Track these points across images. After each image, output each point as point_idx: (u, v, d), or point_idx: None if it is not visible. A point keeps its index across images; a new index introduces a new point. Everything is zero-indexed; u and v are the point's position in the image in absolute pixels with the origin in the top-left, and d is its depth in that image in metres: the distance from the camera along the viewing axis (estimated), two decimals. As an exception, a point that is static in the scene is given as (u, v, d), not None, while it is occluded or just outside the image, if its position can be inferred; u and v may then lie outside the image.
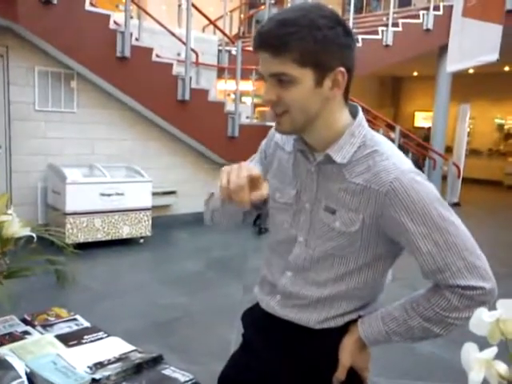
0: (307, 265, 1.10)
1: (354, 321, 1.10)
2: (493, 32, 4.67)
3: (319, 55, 0.95)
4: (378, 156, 1.01)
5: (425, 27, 8.46)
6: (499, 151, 12.72)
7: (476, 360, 0.55)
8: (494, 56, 4.66)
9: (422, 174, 1.01)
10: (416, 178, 0.98)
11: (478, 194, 10.49)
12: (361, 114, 1.06)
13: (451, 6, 7.68)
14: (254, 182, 0.95)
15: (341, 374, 1.09)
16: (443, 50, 8.23)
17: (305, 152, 1.09)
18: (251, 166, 1.00)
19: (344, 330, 1.10)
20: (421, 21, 8.46)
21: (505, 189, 11.64)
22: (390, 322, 1.05)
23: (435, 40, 8.46)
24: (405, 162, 1.01)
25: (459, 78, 9.29)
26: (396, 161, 1.00)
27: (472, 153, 11.70)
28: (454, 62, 5.56)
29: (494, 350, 0.55)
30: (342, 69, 0.98)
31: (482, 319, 0.57)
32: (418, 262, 1.00)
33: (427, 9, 8.57)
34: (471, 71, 10.36)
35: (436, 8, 8.54)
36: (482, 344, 0.59)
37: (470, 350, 0.56)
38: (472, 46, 5.07)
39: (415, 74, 13.11)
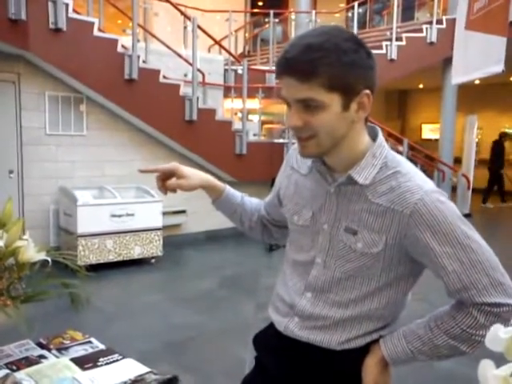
0: (327, 286, 1.09)
1: (375, 341, 1.09)
2: (497, 44, 4.68)
3: (346, 79, 0.95)
4: (401, 177, 1.01)
5: (428, 40, 8.52)
6: (508, 161, 12.63)
7: (493, 377, 0.55)
8: (499, 67, 4.66)
9: (444, 193, 1.01)
10: (440, 198, 0.99)
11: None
12: (381, 135, 1.07)
13: (454, 20, 7.71)
14: (171, 175, 1.23)
15: None
16: (447, 62, 8.24)
17: (323, 173, 1.09)
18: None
19: (365, 350, 1.09)
20: (424, 34, 8.53)
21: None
22: (414, 340, 1.04)
23: (439, 53, 8.50)
24: (427, 182, 1.02)
25: (465, 89, 9.29)
26: (419, 181, 1.01)
27: (481, 163, 11.62)
28: (459, 75, 5.57)
29: (511, 367, 0.55)
30: (368, 91, 0.98)
31: (497, 335, 0.57)
32: (444, 281, 0.99)
33: (430, 23, 8.64)
34: (477, 82, 10.36)
35: (439, 21, 8.61)
36: (498, 359, 0.59)
37: (486, 367, 0.56)
38: (476, 58, 5.08)
39: (421, 86, 13.13)
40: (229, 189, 1.31)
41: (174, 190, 1.24)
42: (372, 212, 1.02)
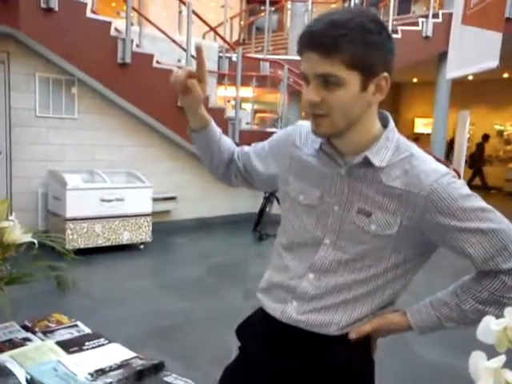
0: (334, 267, 1.08)
1: None
2: (493, 39, 4.69)
3: (367, 59, 0.95)
4: (414, 160, 1.02)
5: (424, 34, 8.49)
6: (499, 157, 12.74)
7: (484, 369, 0.54)
8: (494, 63, 4.67)
9: (453, 174, 1.03)
10: (452, 179, 1.01)
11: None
12: (392, 120, 1.08)
13: (450, 14, 7.71)
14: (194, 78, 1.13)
15: (363, 330, 1.07)
16: (442, 56, 8.25)
17: (333, 155, 1.08)
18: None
19: (361, 341, 1.08)
20: (420, 28, 8.50)
21: (505, 195, 11.64)
22: (441, 307, 1.05)
23: (434, 47, 8.49)
24: (440, 165, 1.03)
25: (459, 84, 9.31)
26: (433, 164, 1.03)
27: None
28: (454, 69, 5.57)
29: (502, 359, 0.54)
30: (386, 74, 0.99)
31: (489, 327, 0.57)
32: (470, 253, 1.00)
33: (426, 16, 8.60)
34: (471, 78, 10.39)
35: (435, 15, 8.57)
36: (488, 351, 0.59)
37: (478, 359, 0.56)
38: (472, 52, 5.09)
39: (415, 80, 13.15)
40: (213, 123, 1.25)
41: (186, 88, 1.13)
42: (387, 194, 1.02)
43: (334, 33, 0.93)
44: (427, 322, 1.06)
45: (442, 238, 1.02)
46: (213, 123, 1.24)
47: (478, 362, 0.56)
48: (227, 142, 1.30)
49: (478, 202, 1.00)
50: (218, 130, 1.26)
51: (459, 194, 0.99)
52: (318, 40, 0.94)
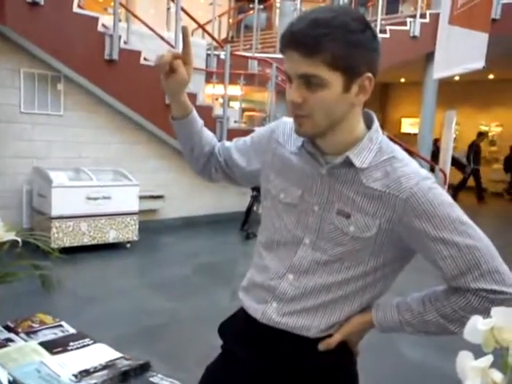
0: (313, 268, 1.06)
1: None
2: (479, 40, 4.74)
3: (350, 59, 0.93)
4: (396, 162, 1.01)
5: (412, 34, 8.56)
6: (484, 158, 12.89)
7: (472, 368, 0.54)
8: (480, 63, 4.73)
9: (436, 181, 1.01)
10: (433, 185, 0.99)
11: (464, 201, 10.59)
12: (376, 121, 1.07)
13: (438, 14, 7.78)
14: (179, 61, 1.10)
15: (333, 342, 1.07)
16: (430, 56, 8.32)
17: (315, 155, 1.07)
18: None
19: (341, 342, 1.08)
20: (408, 28, 8.56)
21: (489, 195, 11.79)
22: (404, 312, 1.04)
23: (422, 47, 8.55)
24: (422, 169, 1.02)
25: (445, 84, 9.40)
26: (414, 167, 1.01)
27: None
28: (441, 69, 5.62)
29: (489, 359, 0.54)
30: (370, 74, 0.97)
31: (476, 327, 0.57)
32: (440, 266, 0.99)
33: (414, 16, 8.67)
34: (457, 78, 10.50)
35: (423, 16, 8.64)
36: (473, 351, 0.59)
37: (465, 359, 0.56)
38: (459, 53, 5.14)
39: (402, 80, 13.24)
40: (195, 112, 1.23)
41: (171, 69, 1.10)
42: (366, 196, 1.01)
43: (316, 32, 0.91)
44: (389, 322, 1.06)
45: (417, 244, 1.01)
46: (194, 112, 1.22)
47: (465, 361, 0.56)
48: (209, 134, 1.29)
49: (459, 212, 0.98)
50: (199, 121, 1.25)
51: (440, 200, 0.97)
52: (299, 39, 0.92)
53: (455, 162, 11.13)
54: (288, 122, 1.17)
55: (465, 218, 0.98)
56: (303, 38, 0.92)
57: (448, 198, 0.99)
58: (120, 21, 5.75)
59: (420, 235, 0.98)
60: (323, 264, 1.06)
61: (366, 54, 0.96)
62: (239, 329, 1.19)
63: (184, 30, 1.13)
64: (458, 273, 0.97)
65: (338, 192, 1.04)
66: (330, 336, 1.08)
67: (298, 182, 1.09)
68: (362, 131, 1.04)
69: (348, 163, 1.02)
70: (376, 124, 1.06)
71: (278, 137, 1.17)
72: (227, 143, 1.29)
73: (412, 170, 1.00)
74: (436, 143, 10.71)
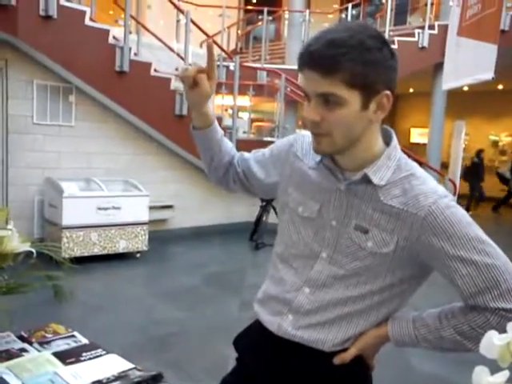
0: (330, 282, 1.07)
1: None
2: (488, 51, 4.73)
3: (368, 77, 0.94)
4: (414, 180, 1.01)
5: (420, 45, 8.57)
6: (494, 167, 12.80)
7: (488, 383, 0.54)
8: (489, 74, 4.71)
9: (453, 198, 1.01)
10: (451, 203, 0.99)
11: (475, 210, 10.51)
12: (395, 138, 1.07)
13: (446, 26, 7.79)
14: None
15: (348, 356, 1.06)
16: (438, 67, 8.32)
17: (333, 170, 1.07)
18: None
19: (356, 356, 1.08)
20: (416, 39, 8.57)
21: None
22: (421, 327, 1.04)
23: (430, 58, 8.55)
24: (440, 187, 1.01)
25: (454, 95, 9.38)
26: (433, 185, 1.01)
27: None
28: (450, 80, 5.62)
29: (506, 374, 0.54)
30: (388, 92, 0.97)
31: (492, 342, 0.57)
32: (458, 284, 0.98)
33: (422, 27, 8.68)
34: (466, 89, 10.46)
35: (431, 27, 8.66)
36: (488, 365, 0.59)
37: (481, 374, 0.56)
38: (467, 64, 5.13)
39: (411, 90, 13.23)
40: (216, 122, 1.24)
41: (195, 82, 1.10)
42: (384, 213, 1.01)
43: (333, 52, 0.91)
44: (405, 337, 1.05)
45: (435, 262, 1.01)
46: (216, 123, 1.23)
47: (482, 376, 0.56)
48: (228, 144, 1.29)
49: (477, 231, 0.98)
50: (220, 131, 1.25)
51: (458, 219, 0.97)
52: (317, 60, 0.93)
53: (500, 177, 11.11)
54: (306, 135, 1.17)
55: (483, 236, 0.98)
56: (321, 59, 0.92)
57: (466, 217, 0.99)
58: (130, 33, 5.82)
59: (438, 253, 0.98)
60: (340, 278, 1.05)
61: (383, 72, 0.96)
62: (254, 341, 1.19)
63: (209, 45, 1.13)
64: (477, 291, 0.96)
65: (356, 207, 1.04)
66: (345, 350, 1.07)
67: (316, 196, 1.10)
68: (380, 148, 1.04)
69: (366, 180, 1.02)
70: (394, 141, 1.06)
71: (297, 150, 1.17)
72: (246, 154, 1.30)
73: (430, 188, 1.00)
74: (479, 155, 10.67)
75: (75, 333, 1.38)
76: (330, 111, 0.96)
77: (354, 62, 0.91)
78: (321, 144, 1.01)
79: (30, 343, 1.29)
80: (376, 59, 0.94)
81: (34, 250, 1.24)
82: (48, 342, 1.31)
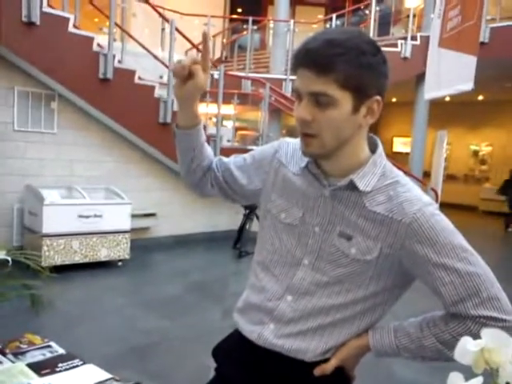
0: (313, 289, 1.05)
1: None
2: (468, 62, 4.82)
3: (361, 80, 0.95)
4: (399, 187, 1.02)
5: (403, 55, 8.70)
6: (474, 177, 13.02)
7: (462, 390, 0.54)
8: (469, 85, 4.80)
9: (437, 206, 1.02)
10: (436, 211, 0.99)
11: (455, 219, 10.65)
12: (381, 145, 1.08)
13: (428, 37, 7.91)
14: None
15: (329, 367, 1.05)
16: (420, 77, 8.44)
17: (318, 176, 1.07)
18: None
19: (337, 367, 1.07)
20: (399, 49, 8.70)
21: (480, 214, 11.86)
22: (402, 337, 1.03)
23: (413, 68, 8.69)
24: (424, 195, 1.02)
25: (436, 105, 9.53)
26: (417, 193, 1.01)
27: (448, 178, 11.93)
28: (432, 90, 5.70)
29: (479, 380, 0.55)
30: (379, 97, 0.99)
31: (466, 348, 0.57)
32: (441, 292, 0.98)
33: (405, 38, 8.83)
34: (448, 99, 10.65)
35: (413, 38, 8.81)
36: (463, 371, 0.59)
37: (455, 380, 0.56)
38: (448, 74, 5.22)
39: (394, 100, 13.40)
40: (202, 124, 1.20)
41: (189, 74, 1.06)
42: (369, 219, 1.01)
43: (330, 52, 0.92)
44: (386, 347, 1.05)
45: (418, 270, 1.01)
46: (202, 124, 1.20)
47: (456, 382, 0.56)
48: (209, 149, 1.26)
49: (461, 239, 0.99)
50: (203, 134, 1.22)
51: (442, 227, 0.98)
52: (313, 58, 0.94)
53: None
54: (290, 142, 1.17)
55: (466, 245, 0.99)
56: (318, 57, 0.93)
57: (449, 225, 1.00)
58: (115, 40, 5.79)
59: (421, 261, 0.98)
60: (323, 286, 1.05)
61: (376, 77, 0.98)
62: (233, 351, 1.17)
63: (204, 35, 1.11)
64: (458, 299, 0.97)
65: (341, 214, 1.04)
66: (326, 360, 1.06)
67: (299, 202, 1.09)
68: (366, 154, 1.05)
69: (351, 186, 1.02)
70: (380, 148, 1.07)
71: (281, 157, 1.16)
72: (225, 159, 1.27)
73: (415, 196, 1.00)
74: None
75: (51, 343, 1.35)
76: (321, 111, 0.96)
77: (349, 64, 0.93)
78: (309, 146, 1.01)
79: (4, 354, 1.26)
80: (370, 63, 0.95)
81: (9, 258, 1.22)
82: (23, 353, 1.27)
